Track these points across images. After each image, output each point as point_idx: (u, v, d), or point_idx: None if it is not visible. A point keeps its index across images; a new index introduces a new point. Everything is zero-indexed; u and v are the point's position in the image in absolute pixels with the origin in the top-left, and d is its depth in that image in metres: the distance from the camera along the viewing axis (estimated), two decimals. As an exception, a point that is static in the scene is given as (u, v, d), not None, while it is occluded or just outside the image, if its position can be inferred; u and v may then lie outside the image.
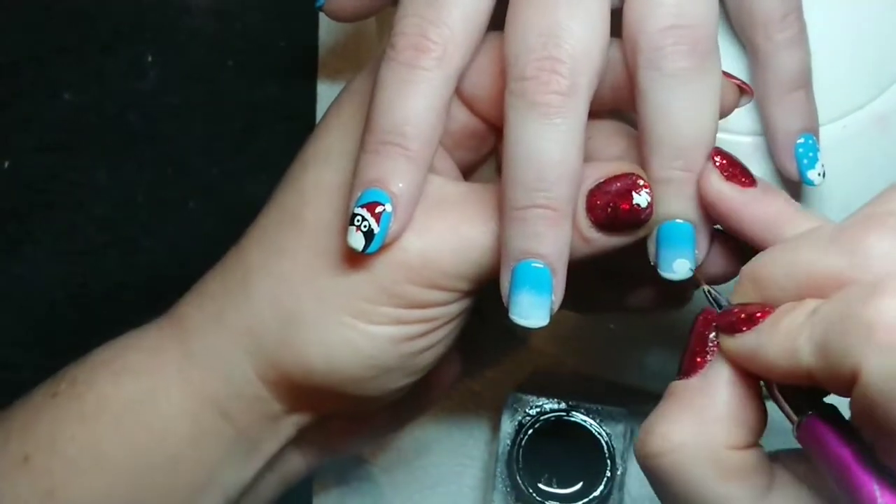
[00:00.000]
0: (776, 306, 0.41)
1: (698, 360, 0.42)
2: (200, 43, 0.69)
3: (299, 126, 0.68)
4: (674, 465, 0.40)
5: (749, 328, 0.41)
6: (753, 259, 0.43)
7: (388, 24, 0.62)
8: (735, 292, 0.43)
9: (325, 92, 0.68)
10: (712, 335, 0.42)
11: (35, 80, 0.68)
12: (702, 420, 0.41)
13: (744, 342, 0.41)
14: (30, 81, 0.68)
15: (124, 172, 0.67)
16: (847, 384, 0.37)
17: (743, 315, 0.41)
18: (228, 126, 0.68)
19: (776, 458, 0.42)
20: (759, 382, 0.41)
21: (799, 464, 0.42)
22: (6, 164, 0.67)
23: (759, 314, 0.41)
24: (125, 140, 0.67)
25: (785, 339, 0.39)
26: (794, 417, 0.40)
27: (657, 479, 0.41)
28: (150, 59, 0.68)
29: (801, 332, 0.38)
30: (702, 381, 0.42)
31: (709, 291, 0.44)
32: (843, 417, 0.40)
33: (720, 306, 0.44)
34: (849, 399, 0.38)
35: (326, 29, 0.69)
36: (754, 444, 0.41)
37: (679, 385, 0.42)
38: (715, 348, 0.42)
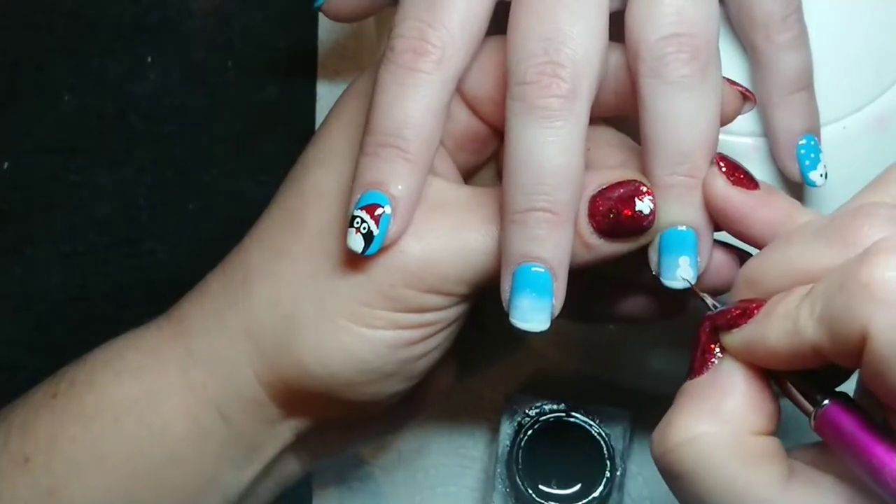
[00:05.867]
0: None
1: (705, 356, 0.42)
2: (200, 44, 0.69)
3: (299, 127, 0.68)
4: (696, 454, 0.40)
5: (745, 321, 0.41)
6: (746, 263, 0.43)
7: (387, 25, 0.62)
8: (732, 297, 0.43)
9: (325, 93, 0.69)
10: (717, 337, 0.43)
11: (35, 81, 0.68)
12: (720, 409, 0.41)
13: (743, 335, 0.41)
14: (30, 82, 0.68)
15: (124, 174, 0.67)
16: (856, 350, 0.37)
17: (737, 311, 0.42)
18: (228, 127, 0.68)
19: (788, 451, 0.42)
20: (768, 375, 0.42)
21: (809, 455, 0.42)
22: (6, 166, 0.67)
23: (753, 308, 0.41)
24: (125, 141, 0.68)
25: (783, 322, 0.40)
26: (810, 408, 0.40)
27: (677, 472, 0.41)
28: (150, 60, 0.68)
29: (799, 312, 0.39)
30: (714, 376, 0.42)
31: (703, 297, 0.45)
32: (857, 403, 0.40)
33: (716, 308, 0.44)
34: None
35: (326, 30, 0.69)
36: (772, 431, 0.42)
37: (691, 383, 0.42)
38: (721, 348, 0.42)
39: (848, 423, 0.39)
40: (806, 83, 0.50)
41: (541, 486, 0.61)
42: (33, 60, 0.68)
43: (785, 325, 0.40)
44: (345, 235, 0.45)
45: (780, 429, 0.42)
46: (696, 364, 0.43)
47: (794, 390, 0.41)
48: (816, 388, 0.41)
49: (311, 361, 0.48)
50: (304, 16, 0.68)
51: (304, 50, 0.69)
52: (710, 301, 0.44)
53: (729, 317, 0.42)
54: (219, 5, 0.69)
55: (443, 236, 0.46)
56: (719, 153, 0.45)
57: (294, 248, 0.48)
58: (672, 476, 0.41)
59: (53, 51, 0.68)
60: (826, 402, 0.40)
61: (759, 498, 0.40)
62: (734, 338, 0.42)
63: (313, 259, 0.48)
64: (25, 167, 0.67)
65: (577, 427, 0.61)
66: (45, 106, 0.67)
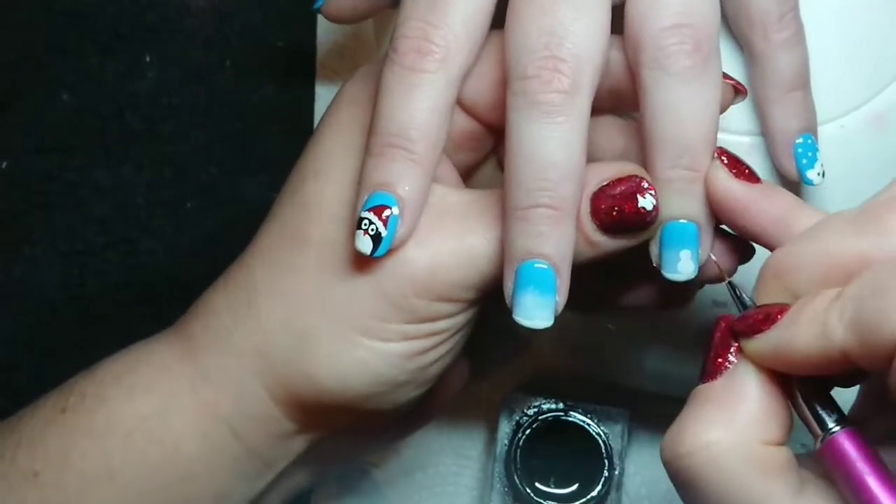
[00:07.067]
0: (797, 300, 0.40)
1: (720, 360, 0.42)
2: (199, 44, 0.69)
3: (297, 127, 0.68)
4: (709, 462, 0.39)
5: (768, 327, 0.40)
6: (773, 254, 0.42)
7: (385, 26, 0.62)
8: (757, 289, 0.42)
9: (324, 93, 0.69)
10: (733, 339, 0.42)
11: (34, 80, 0.68)
12: (734, 417, 0.40)
13: (767, 340, 0.40)
14: (29, 82, 0.68)
15: (123, 173, 0.67)
16: (887, 356, 0.36)
17: (760, 315, 0.41)
18: (227, 127, 0.68)
19: (798, 459, 0.41)
20: (784, 382, 0.41)
21: (818, 464, 0.41)
22: (4, 165, 0.67)
23: (776, 312, 0.40)
24: (124, 140, 0.68)
25: (812, 324, 0.39)
26: (819, 431, 0.40)
27: (687, 479, 0.40)
28: (148, 59, 0.68)
29: (829, 315, 0.38)
30: (728, 381, 0.41)
31: (733, 287, 0.44)
32: (865, 438, 0.39)
33: (743, 303, 0.43)
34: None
35: (324, 30, 0.69)
36: (784, 441, 0.41)
37: (704, 388, 0.41)
38: (736, 351, 0.41)
39: (853, 455, 0.39)
40: (802, 82, 0.50)
41: (539, 486, 0.61)
42: (32, 60, 0.68)
43: (814, 328, 0.39)
44: (352, 246, 0.45)
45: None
46: (709, 367, 0.42)
47: (805, 408, 0.40)
48: (828, 410, 0.40)
49: (325, 377, 0.47)
50: (302, 15, 0.68)
51: (303, 49, 0.69)
52: (745, 298, 0.43)
53: (751, 322, 0.41)
54: (217, 4, 0.69)
55: (448, 243, 0.46)
56: (720, 147, 0.45)
57: (299, 264, 0.48)
58: (681, 483, 0.41)
59: (52, 50, 0.68)
60: (836, 428, 0.39)
61: None
62: (758, 343, 0.41)
63: (320, 274, 0.47)
64: (24, 166, 0.67)
65: (576, 426, 0.61)
66: (43, 105, 0.67)
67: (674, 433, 0.41)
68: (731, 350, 0.42)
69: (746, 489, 0.39)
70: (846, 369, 0.39)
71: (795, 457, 0.41)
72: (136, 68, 0.68)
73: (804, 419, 0.41)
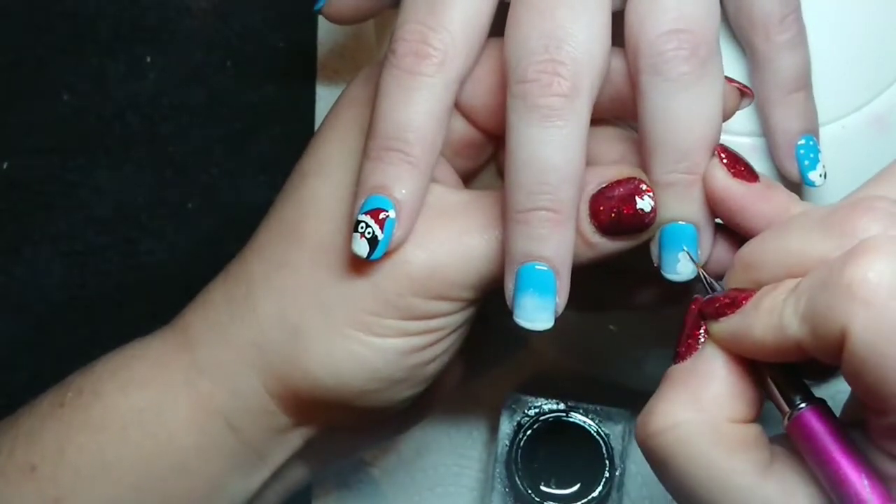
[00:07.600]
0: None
1: (690, 342, 0.43)
2: (199, 44, 0.69)
3: (298, 127, 0.68)
4: (676, 441, 0.41)
5: (733, 311, 0.41)
6: (745, 245, 0.43)
7: (386, 27, 0.62)
8: (727, 277, 0.44)
9: (324, 93, 0.69)
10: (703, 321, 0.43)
11: (34, 81, 0.68)
12: (700, 396, 0.41)
13: (729, 325, 0.42)
14: (29, 83, 0.68)
15: (123, 173, 0.67)
16: (836, 349, 0.37)
17: (727, 300, 0.42)
18: (227, 127, 0.68)
19: (771, 439, 0.42)
20: (751, 367, 0.42)
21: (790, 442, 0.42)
22: (5, 166, 0.67)
23: (742, 297, 0.41)
24: (124, 141, 0.67)
25: (769, 315, 0.40)
26: (786, 409, 0.41)
27: (659, 458, 0.41)
28: (149, 60, 0.68)
29: (785, 307, 0.39)
30: (696, 363, 0.42)
31: (704, 276, 0.45)
32: (833, 413, 0.40)
33: (713, 289, 0.44)
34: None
35: (325, 30, 0.69)
36: (754, 418, 0.42)
37: (675, 369, 0.43)
38: (705, 333, 0.43)
39: (820, 431, 0.40)
40: (804, 83, 0.50)
41: (540, 486, 0.61)
42: (33, 60, 0.68)
43: (770, 319, 0.40)
44: (348, 245, 0.46)
45: (763, 414, 0.42)
46: (680, 349, 0.43)
47: (773, 387, 0.41)
48: (795, 389, 0.41)
49: (320, 372, 0.48)
50: (303, 16, 0.68)
51: (303, 50, 0.69)
52: (715, 284, 0.44)
53: (717, 305, 0.42)
54: (217, 5, 0.69)
55: (446, 243, 0.46)
56: (720, 144, 0.45)
57: (296, 260, 0.48)
58: (654, 462, 0.42)
59: (53, 51, 0.68)
60: (802, 405, 0.40)
61: (738, 486, 0.40)
62: (721, 327, 0.42)
63: (316, 270, 0.47)
64: (25, 167, 0.67)
65: (577, 427, 0.61)
66: (44, 106, 0.67)
67: (646, 413, 0.42)
68: (701, 331, 0.43)
69: (713, 466, 0.40)
70: (804, 359, 0.39)
71: (782, 436, 0.42)
72: (136, 69, 0.68)
73: (773, 398, 0.41)
